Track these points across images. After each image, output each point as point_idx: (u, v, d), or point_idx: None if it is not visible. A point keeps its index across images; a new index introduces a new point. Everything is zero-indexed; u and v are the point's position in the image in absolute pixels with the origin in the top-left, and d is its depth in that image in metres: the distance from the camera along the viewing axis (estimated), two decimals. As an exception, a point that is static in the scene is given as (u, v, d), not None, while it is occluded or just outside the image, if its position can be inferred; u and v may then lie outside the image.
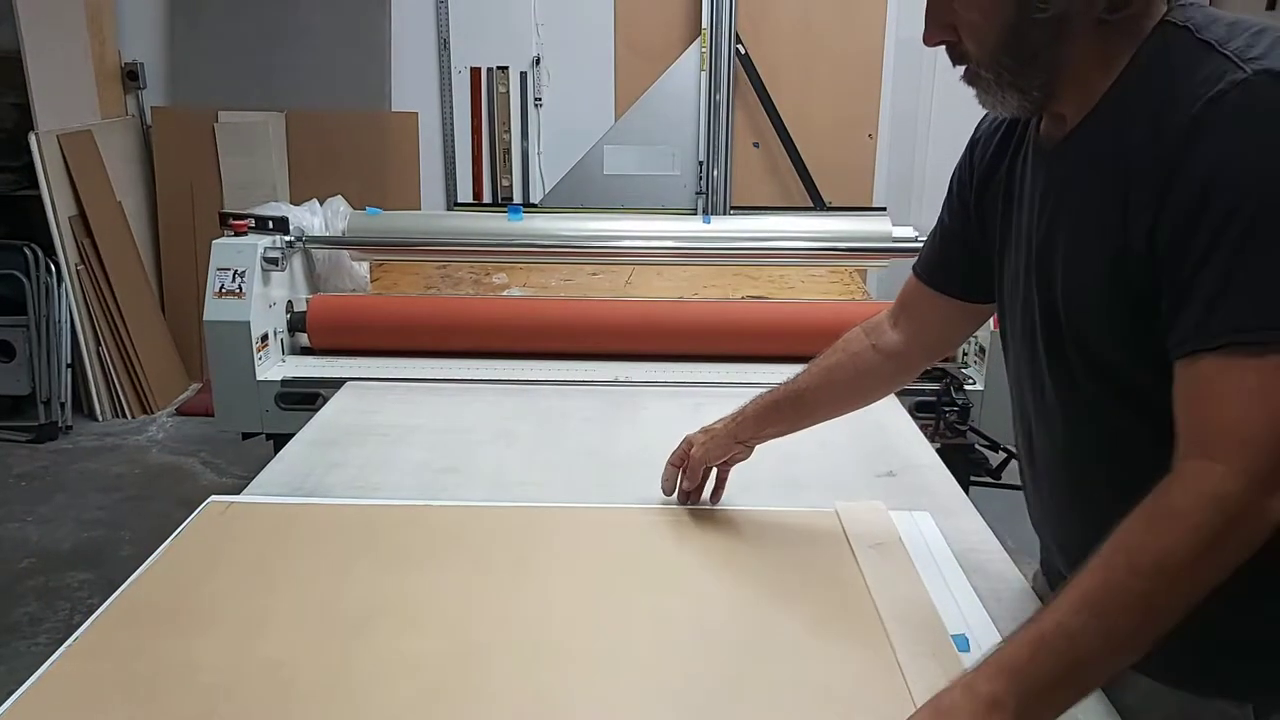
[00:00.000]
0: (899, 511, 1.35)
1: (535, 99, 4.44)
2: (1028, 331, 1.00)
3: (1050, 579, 1.16)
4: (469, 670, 1.00)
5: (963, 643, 1.06)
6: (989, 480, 2.24)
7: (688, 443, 1.33)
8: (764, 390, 1.32)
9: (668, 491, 1.37)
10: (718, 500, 1.37)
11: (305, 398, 2.06)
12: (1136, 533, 0.79)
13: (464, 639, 1.06)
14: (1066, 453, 1.01)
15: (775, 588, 1.17)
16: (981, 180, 1.08)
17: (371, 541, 1.27)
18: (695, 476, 1.33)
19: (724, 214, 4.24)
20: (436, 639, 1.06)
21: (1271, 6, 2.81)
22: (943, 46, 0.93)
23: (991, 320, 1.95)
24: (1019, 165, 1.02)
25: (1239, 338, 0.77)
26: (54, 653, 1.03)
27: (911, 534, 1.29)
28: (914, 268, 1.23)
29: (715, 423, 1.33)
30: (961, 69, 0.93)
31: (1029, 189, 0.98)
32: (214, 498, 1.40)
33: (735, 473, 1.37)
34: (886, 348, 1.24)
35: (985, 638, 1.07)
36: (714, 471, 1.34)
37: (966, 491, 1.68)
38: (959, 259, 1.16)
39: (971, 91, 0.95)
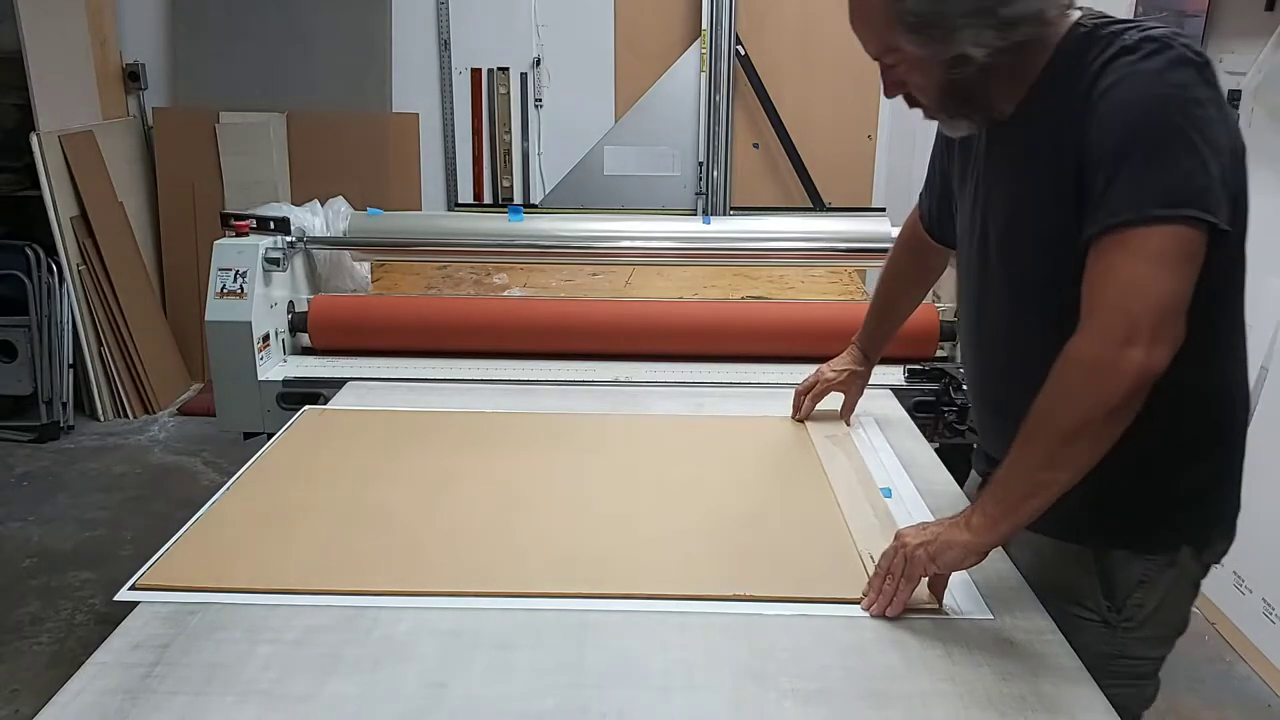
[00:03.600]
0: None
1: (536, 100, 4.45)
2: (979, 260, 1.26)
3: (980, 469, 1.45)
4: (518, 512, 1.42)
5: (887, 492, 1.49)
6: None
7: (818, 371, 1.75)
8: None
9: (796, 415, 1.77)
10: (847, 418, 1.76)
11: (306, 398, 2.07)
12: (1040, 395, 1.06)
13: (515, 494, 1.48)
14: (1002, 361, 1.28)
15: (755, 461, 1.64)
16: (950, 146, 1.37)
17: (443, 433, 1.73)
18: (820, 393, 1.74)
19: (724, 214, 4.25)
20: (495, 493, 1.48)
21: (1270, 7, 2.81)
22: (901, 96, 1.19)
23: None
24: (974, 138, 1.26)
25: (1107, 222, 1.02)
26: (54, 653, 1.08)
27: (858, 430, 1.75)
28: (919, 206, 1.57)
29: None
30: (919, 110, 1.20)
31: (982, 154, 1.24)
32: (308, 407, 1.88)
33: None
34: (930, 259, 1.58)
35: (906, 491, 1.50)
36: (842, 397, 1.74)
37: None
38: (938, 213, 1.49)
39: None
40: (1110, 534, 1.20)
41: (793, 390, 1.80)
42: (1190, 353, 1.04)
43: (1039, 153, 1.12)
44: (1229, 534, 1.25)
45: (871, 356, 1.71)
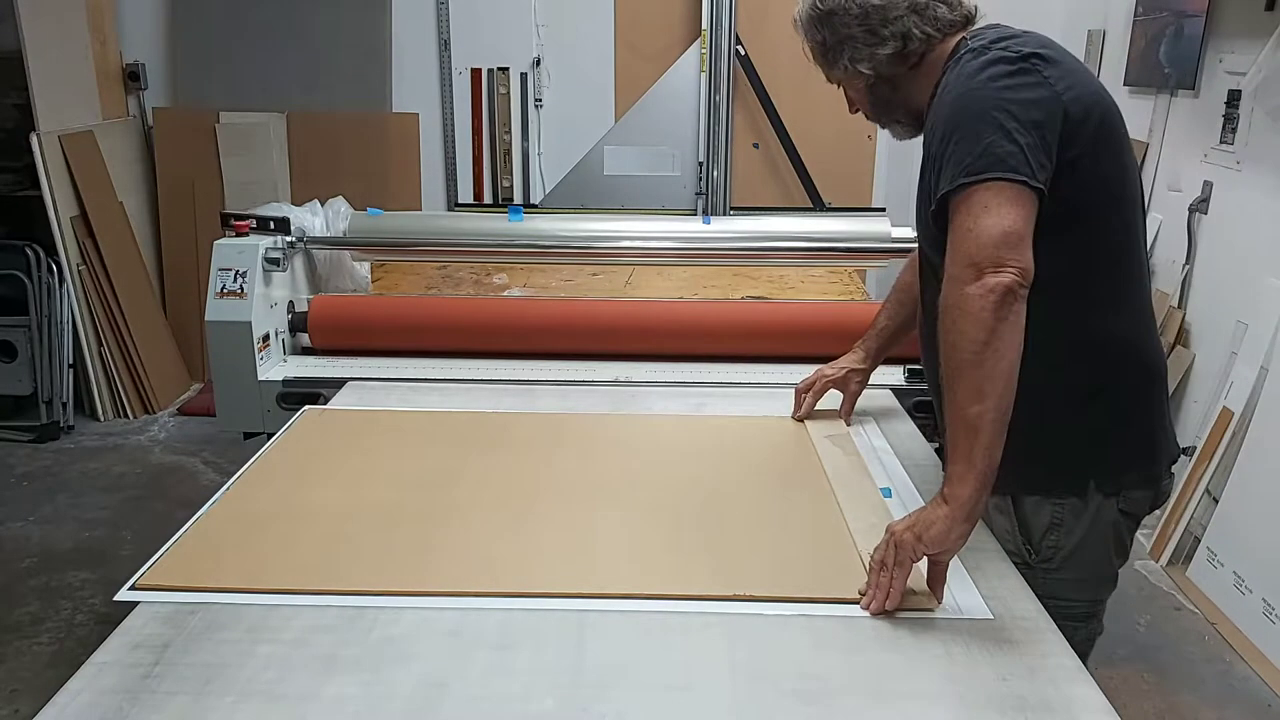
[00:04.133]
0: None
1: (536, 100, 4.45)
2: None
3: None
4: (518, 512, 1.43)
5: (887, 492, 1.50)
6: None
7: (819, 370, 1.79)
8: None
9: (797, 413, 1.80)
10: (846, 416, 1.79)
11: (306, 398, 2.07)
12: (939, 348, 1.18)
13: (515, 494, 1.49)
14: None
15: (755, 461, 1.64)
16: None
17: (443, 433, 1.74)
18: (820, 389, 1.78)
19: (724, 214, 4.25)
20: (495, 493, 1.49)
21: (1270, 7, 2.81)
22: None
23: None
24: None
25: (936, 199, 1.20)
26: (54, 653, 1.09)
27: (858, 430, 1.77)
28: None
29: None
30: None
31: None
32: (308, 407, 1.89)
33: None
34: None
35: (906, 491, 1.51)
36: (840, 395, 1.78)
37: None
38: None
39: None
40: (1021, 481, 1.30)
41: (792, 390, 1.80)
42: (1074, 306, 1.25)
43: (927, 147, 1.29)
44: (1148, 483, 1.36)
45: (874, 357, 1.76)
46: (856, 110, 1.44)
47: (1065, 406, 1.30)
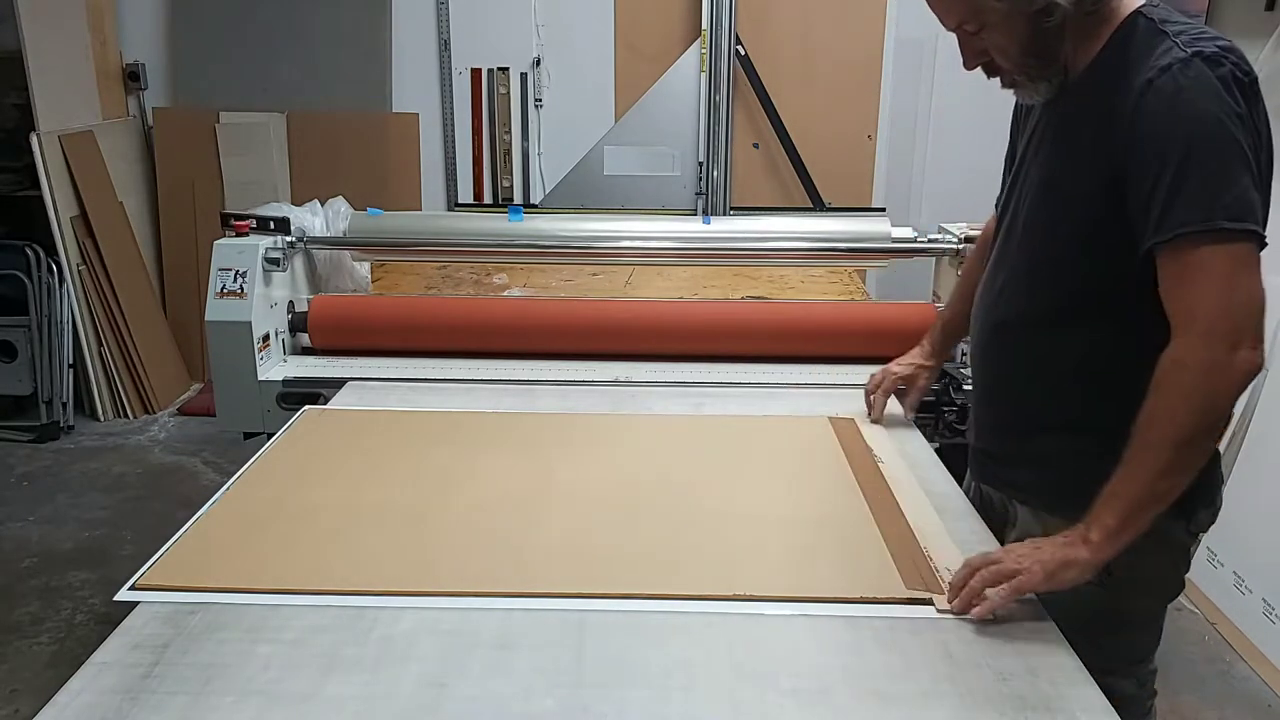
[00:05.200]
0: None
1: (536, 100, 4.45)
2: (1005, 237, 1.33)
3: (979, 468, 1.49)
4: (517, 512, 1.42)
5: None
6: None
7: (885, 369, 1.74)
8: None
9: (872, 418, 1.75)
10: (909, 412, 1.74)
11: (306, 398, 2.06)
12: (1148, 404, 1.10)
13: (514, 494, 1.48)
14: (1011, 347, 1.33)
15: (754, 461, 1.63)
16: (1018, 128, 1.40)
17: (443, 433, 1.73)
18: (889, 387, 1.72)
19: (724, 214, 4.25)
20: (495, 493, 1.48)
21: (1270, 7, 2.81)
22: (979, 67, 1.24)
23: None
24: (1022, 111, 1.36)
25: (1177, 231, 1.07)
26: (54, 653, 1.09)
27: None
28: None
29: None
30: (997, 80, 1.25)
31: (1031, 127, 1.31)
32: (308, 406, 1.88)
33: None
34: None
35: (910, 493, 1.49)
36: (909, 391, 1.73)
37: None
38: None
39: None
40: (1088, 505, 1.21)
41: (792, 389, 1.80)
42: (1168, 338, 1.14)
43: (1081, 140, 1.18)
44: (1211, 504, 1.32)
45: (940, 353, 1.73)
46: (977, 65, 1.24)
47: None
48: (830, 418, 1.79)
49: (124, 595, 1.19)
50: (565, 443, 1.70)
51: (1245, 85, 1.08)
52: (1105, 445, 1.14)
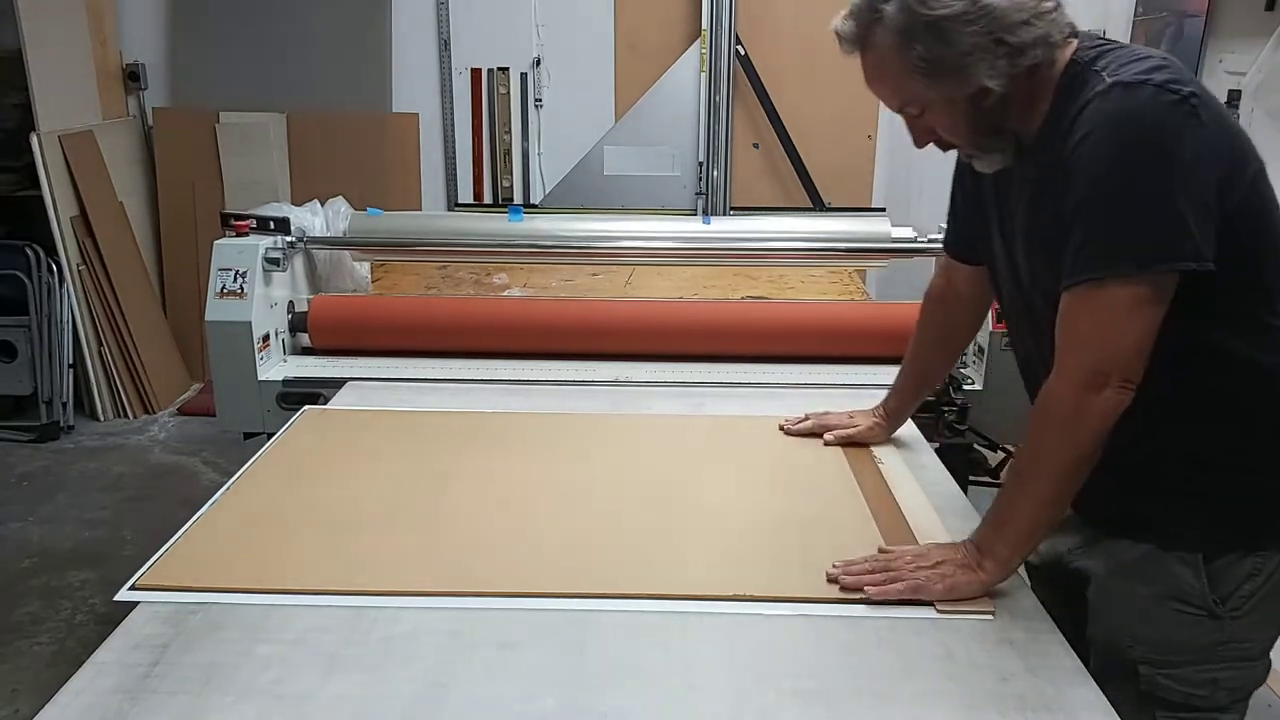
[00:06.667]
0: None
1: (536, 100, 4.45)
2: (1013, 286, 1.30)
3: None
4: (518, 512, 1.42)
5: None
6: (988, 480, 2.25)
7: (841, 417, 1.69)
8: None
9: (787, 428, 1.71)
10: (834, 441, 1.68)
11: (306, 397, 2.06)
12: (1029, 439, 1.17)
13: (515, 494, 1.48)
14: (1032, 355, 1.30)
15: (754, 461, 1.63)
16: (973, 178, 1.36)
17: (443, 433, 1.73)
18: (843, 438, 1.66)
19: (724, 214, 4.25)
20: (495, 494, 1.48)
21: (1270, 7, 2.81)
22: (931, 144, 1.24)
23: (990, 322, 1.97)
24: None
25: (1077, 277, 1.08)
26: (54, 652, 1.09)
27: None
28: (944, 242, 1.56)
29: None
30: (954, 152, 1.27)
31: (1004, 184, 1.27)
32: (308, 406, 1.87)
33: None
34: (967, 306, 1.54)
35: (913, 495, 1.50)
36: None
37: (965, 491, 1.69)
38: (967, 237, 1.44)
39: None
40: (1221, 541, 1.19)
41: (792, 389, 1.80)
42: (1257, 365, 1.13)
43: (1045, 190, 1.15)
44: None
45: (898, 420, 1.68)
46: (928, 143, 1.24)
47: (1270, 462, 1.19)
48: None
49: (124, 595, 1.20)
50: (565, 443, 1.70)
51: (1173, 99, 1.03)
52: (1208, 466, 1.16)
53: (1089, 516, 1.29)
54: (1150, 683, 1.20)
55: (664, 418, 1.86)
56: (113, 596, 1.20)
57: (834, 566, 1.23)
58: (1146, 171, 1.04)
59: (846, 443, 1.66)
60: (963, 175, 1.41)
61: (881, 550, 1.27)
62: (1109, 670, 1.18)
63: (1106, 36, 1.19)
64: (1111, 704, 1.04)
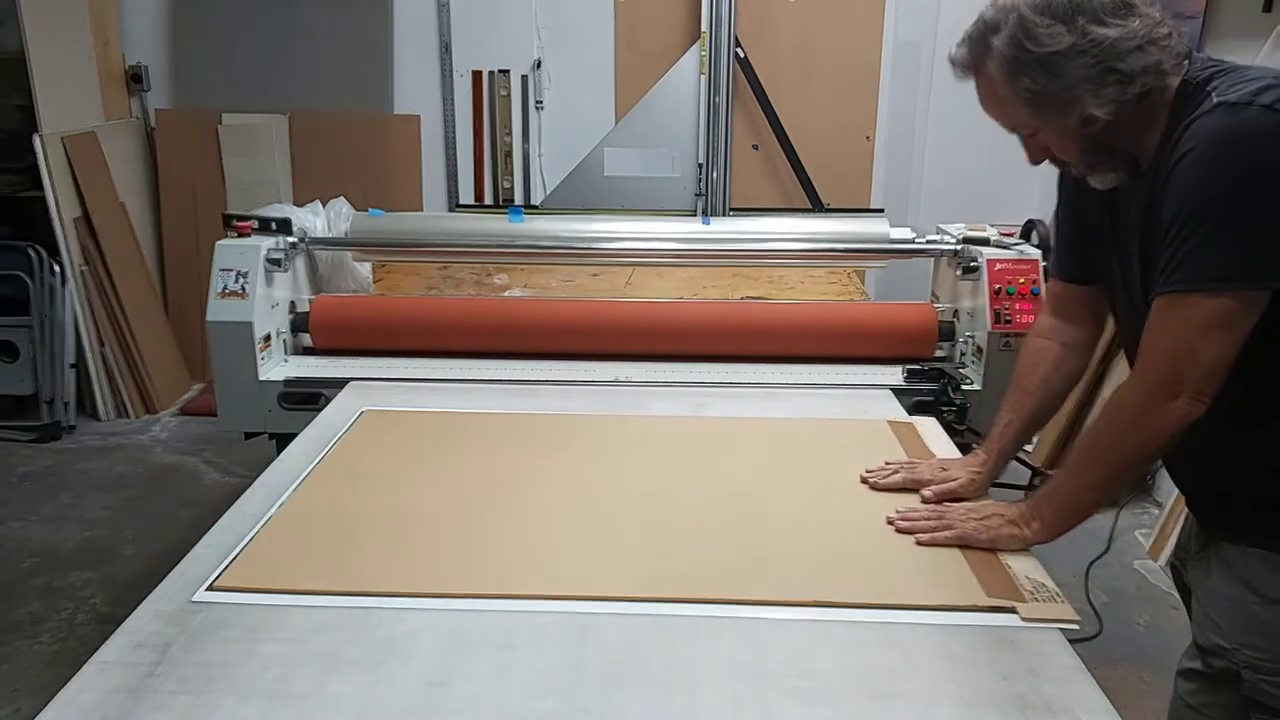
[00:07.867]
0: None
1: (536, 102, 4.45)
2: (1129, 305, 1.28)
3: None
4: (518, 514, 1.43)
5: None
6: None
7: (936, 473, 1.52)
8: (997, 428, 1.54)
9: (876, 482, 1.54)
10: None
11: (308, 398, 2.07)
12: (1094, 429, 1.24)
13: (515, 496, 1.49)
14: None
15: (755, 462, 1.63)
16: (1085, 200, 1.33)
17: (443, 435, 1.74)
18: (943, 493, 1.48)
19: (723, 215, 4.25)
20: (495, 495, 1.49)
21: (1268, 8, 2.82)
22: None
23: (989, 322, 1.97)
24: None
25: (1166, 288, 1.11)
26: (55, 652, 1.09)
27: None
28: (1050, 272, 1.53)
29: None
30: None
31: (1122, 204, 1.26)
32: (366, 407, 1.87)
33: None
34: (1076, 343, 1.48)
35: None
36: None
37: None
38: (1081, 258, 1.42)
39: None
40: None
41: (791, 390, 1.79)
42: None
43: (1155, 208, 1.16)
44: None
45: (997, 465, 1.50)
46: (1042, 160, 1.26)
47: None
48: (890, 421, 1.79)
49: (201, 596, 1.19)
50: (564, 444, 1.71)
51: (1274, 121, 1.04)
52: None
53: (1205, 523, 1.31)
54: (1253, 688, 1.21)
55: (662, 418, 1.86)
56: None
57: (896, 513, 1.37)
58: (1243, 189, 1.06)
59: (947, 499, 1.46)
60: (1070, 199, 1.40)
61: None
62: (1210, 671, 1.25)
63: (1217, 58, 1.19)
64: (1203, 706, 1.18)
